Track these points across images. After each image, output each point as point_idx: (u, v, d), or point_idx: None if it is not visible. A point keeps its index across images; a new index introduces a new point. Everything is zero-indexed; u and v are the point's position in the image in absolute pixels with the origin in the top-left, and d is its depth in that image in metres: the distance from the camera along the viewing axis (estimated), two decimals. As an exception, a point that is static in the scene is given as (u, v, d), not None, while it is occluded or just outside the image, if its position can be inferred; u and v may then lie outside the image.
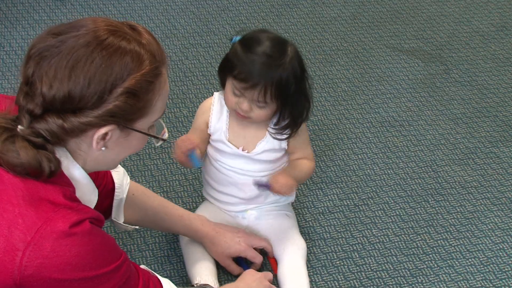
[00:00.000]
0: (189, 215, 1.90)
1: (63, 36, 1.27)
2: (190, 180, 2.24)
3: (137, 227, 1.87)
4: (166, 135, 1.44)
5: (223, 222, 1.99)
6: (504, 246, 2.11)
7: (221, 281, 1.94)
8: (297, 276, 1.90)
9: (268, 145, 1.88)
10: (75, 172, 1.35)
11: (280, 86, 1.74)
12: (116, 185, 1.73)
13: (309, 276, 1.94)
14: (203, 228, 1.90)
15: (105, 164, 1.41)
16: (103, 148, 1.33)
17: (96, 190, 1.45)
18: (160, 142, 1.43)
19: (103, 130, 1.29)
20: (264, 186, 1.88)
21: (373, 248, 2.08)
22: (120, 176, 1.75)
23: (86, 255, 1.26)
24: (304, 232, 2.09)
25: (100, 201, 1.72)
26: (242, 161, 1.91)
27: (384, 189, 2.27)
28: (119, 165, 1.75)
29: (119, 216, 1.78)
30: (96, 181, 1.67)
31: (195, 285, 1.84)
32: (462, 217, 2.19)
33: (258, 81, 1.72)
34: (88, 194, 1.41)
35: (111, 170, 1.73)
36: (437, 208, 2.21)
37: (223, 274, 1.97)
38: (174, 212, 1.88)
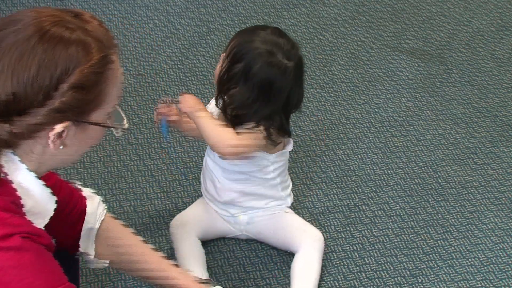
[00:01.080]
0: (169, 263, 1.64)
1: (2, 33, 1.18)
2: (190, 180, 2.24)
3: (108, 263, 1.65)
4: (125, 124, 1.33)
5: (217, 227, 2.01)
6: (504, 246, 2.11)
7: (219, 280, 1.95)
8: (308, 271, 1.91)
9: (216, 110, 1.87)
10: (23, 178, 1.23)
11: (236, 48, 1.77)
12: (87, 211, 1.57)
13: (309, 276, 1.95)
14: (184, 280, 1.61)
15: (63, 161, 1.30)
16: (61, 147, 1.23)
17: (54, 198, 1.32)
18: (121, 132, 1.33)
19: (57, 129, 1.19)
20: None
21: (373, 248, 2.08)
22: (94, 205, 1.60)
23: (11, 271, 1.13)
24: (304, 232, 2.09)
25: (72, 226, 1.56)
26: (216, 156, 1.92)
27: (384, 189, 2.27)
28: (95, 195, 1.62)
29: (88, 247, 1.59)
30: (69, 204, 1.54)
31: None
32: (462, 217, 2.19)
33: (244, 32, 1.82)
34: (43, 203, 1.29)
35: (86, 198, 1.60)
36: (437, 208, 2.22)
37: (220, 272, 1.97)
38: (152, 255, 1.64)
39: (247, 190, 1.94)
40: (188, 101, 1.83)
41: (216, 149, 1.81)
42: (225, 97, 1.81)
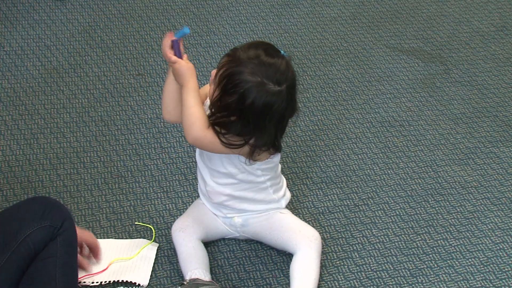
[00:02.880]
0: None
1: None
2: (190, 180, 2.24)
3: None
4: None
5: (217, 228, 2.01)
6: (504, 246, 2.11)
7: (219, 280, 1.95)
8: (307, 271, 1.90)
9: None
10: None
11: (226, 79, 1.74)
12: None
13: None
14: None
15: None
16: None
17: None
18: None
19: None
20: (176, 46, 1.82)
21: (373, 248, 2.08)
22: None
23: None
24: (304, 232, 2.09)
25: None
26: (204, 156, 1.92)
27: (384, 189, 2.27)
28: None
29: None
30: None
31: (185, 283, 1.83)
32: (462, 217, 2.19)
33: (233, 58, 1.75)
34: None
35: None
36: (437, 208, 2.22)
37: (220, 272, 1.97)
38: None
39: (236, 194, 1.94)
40: (175, 73, 1.82)
41: (184, 128, 1.80)
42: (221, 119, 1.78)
